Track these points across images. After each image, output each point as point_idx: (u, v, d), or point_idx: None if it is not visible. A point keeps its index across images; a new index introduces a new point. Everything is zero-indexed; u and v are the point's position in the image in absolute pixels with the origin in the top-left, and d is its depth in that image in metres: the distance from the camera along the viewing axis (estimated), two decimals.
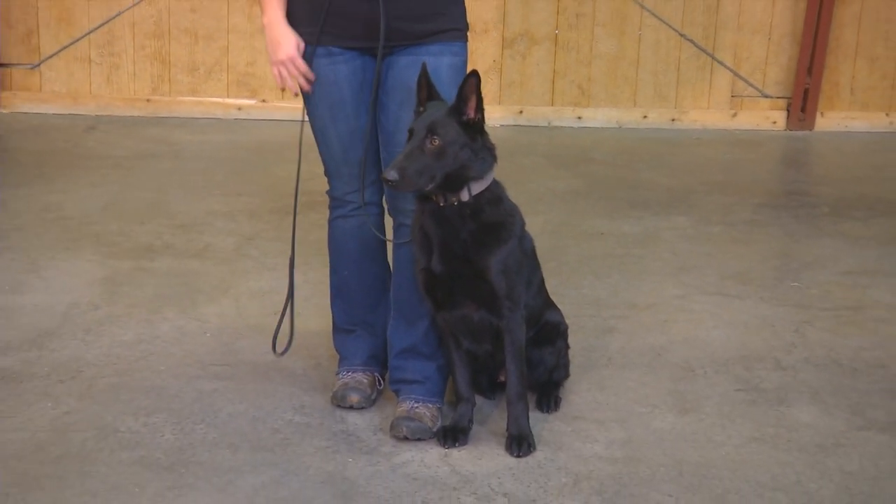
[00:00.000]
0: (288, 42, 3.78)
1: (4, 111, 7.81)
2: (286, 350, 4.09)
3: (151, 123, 7.72)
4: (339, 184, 3.99)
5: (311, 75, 3.80)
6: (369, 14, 3.74)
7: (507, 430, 3.82)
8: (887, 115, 8.20)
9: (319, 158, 4.04)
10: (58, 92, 7.90)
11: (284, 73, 3.81)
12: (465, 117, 3.60)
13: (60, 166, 6.76)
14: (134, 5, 7.81)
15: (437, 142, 3.56)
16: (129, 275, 5.21)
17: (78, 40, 7.83)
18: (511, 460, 3.76)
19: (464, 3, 3.93)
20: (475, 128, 3.62)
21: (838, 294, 5.27)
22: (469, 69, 3.86)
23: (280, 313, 4.13)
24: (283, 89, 3.90)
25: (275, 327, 4.12)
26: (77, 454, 3.72)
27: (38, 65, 7.86)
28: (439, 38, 3.82)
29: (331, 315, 4.22)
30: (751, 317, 4.99)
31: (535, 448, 3.79)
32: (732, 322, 4.93)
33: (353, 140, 3.90)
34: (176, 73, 7.93)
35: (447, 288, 3.78)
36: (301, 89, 3.88)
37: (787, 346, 4.71)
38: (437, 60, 3.78)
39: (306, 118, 3.94)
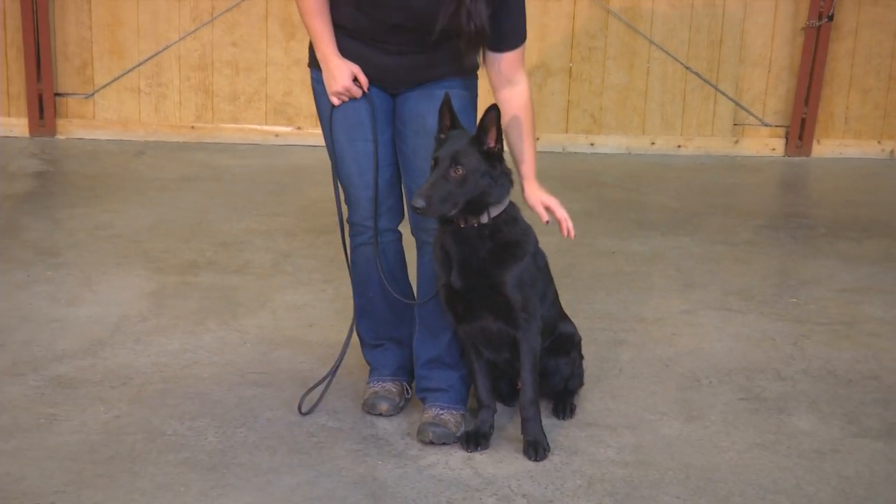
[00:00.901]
0: (341, 74, 3.82)
1: (61, 137, 7.83)
2: (311, 410, 4.08)
3: (195, 149, 7.74)
4: (357, 210, 3.99)
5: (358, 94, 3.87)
6: (390, 67, 3.81)
7: (523, 436, 3.81)
8: (879, 142, 8.18)
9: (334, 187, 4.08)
10: (110, 119, 7.92)
11: (344, 99, 3.86)
12: (485, 147, 3.61)
13: (112, 188, 6.79)
14: (180, 39, 7.84)
15: (460, 171, 3.57)
16: (175, 289, 5.22)
17: (128, 72, 7.86)
18: (529, 463, 3.76)
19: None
20: (494, 156, 3.63)
21: (834, 310, 5.24)
22: (481, 101, 3.89)
23: (318, 382, 4.16)
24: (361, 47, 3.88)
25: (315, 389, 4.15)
26: (127, 455, 3.73)
27: (92, 94, 7.88)
28: (451, 76, 3.83)
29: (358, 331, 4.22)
30: (752, 330, 4.97)
31: (550, 451, 3.79)
32: (735, 335, 4.92)
33: (369, 162, 3.91)
34: (218, 103, 7.95)
35: (467, 302, 3.78)
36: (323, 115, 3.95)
37: (787, 358, 4.69)
38: (451, 92, 3.78)
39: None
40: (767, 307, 5.25)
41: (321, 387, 4.15)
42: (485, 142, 3.61)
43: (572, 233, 3.83)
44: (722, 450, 3.92)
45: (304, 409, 4.06)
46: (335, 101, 3.86)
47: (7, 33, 7.73)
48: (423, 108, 3.81)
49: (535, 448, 3.77)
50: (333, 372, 4.16)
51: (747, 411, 4.22)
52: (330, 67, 3.84)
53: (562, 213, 3.81)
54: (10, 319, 4.80)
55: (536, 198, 3.81)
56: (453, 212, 3.60)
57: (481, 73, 3.95)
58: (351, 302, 4.22)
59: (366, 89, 3.84)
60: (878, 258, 5.98)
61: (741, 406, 4.26)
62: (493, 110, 3.59)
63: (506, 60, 3.80)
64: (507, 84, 3.82)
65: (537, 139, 7.98)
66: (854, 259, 5.96)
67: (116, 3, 7.77)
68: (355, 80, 3.83)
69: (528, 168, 3.83)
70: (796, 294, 5.47)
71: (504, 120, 3.68)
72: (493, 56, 3.80)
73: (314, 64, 3.94)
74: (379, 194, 3.93)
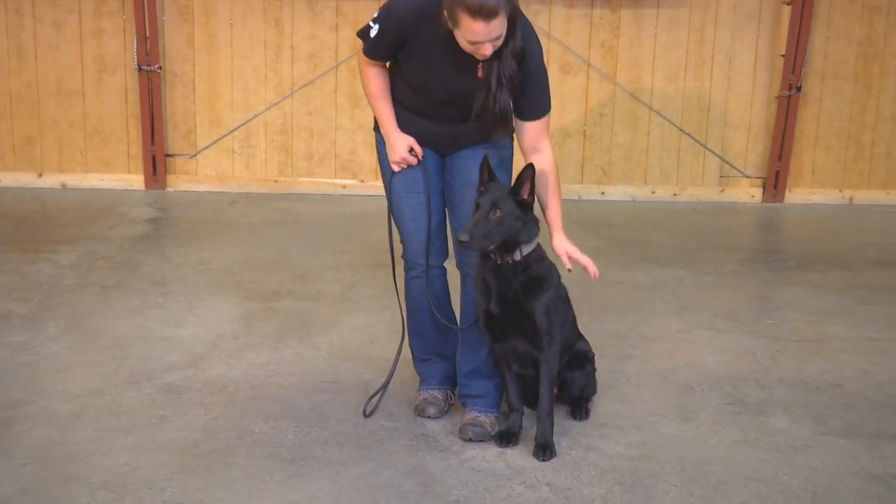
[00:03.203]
0: (400, 147, 3.88)
1: (170, 190, 7.91)
2: (372, 413, 4.09)
3: (278, 198, 7.79)
4: (410, 249, 4.02)
5: (414, 161, 3.92)
6: (440, 135, 3.87)
7: (535, 439, 3.80)
8: (840, 191, 8.13)
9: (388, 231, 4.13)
10: (209, 175, 7.99)
11: (403, 166, 3.90)
12: (519, 197, 3.63)
13: (210, 231, 6.84)
14: (266, 110, 7.91)
15: (498, 213, 3.60)
16: (261, 313, 5.25)
17: (224, 136, 7.93)
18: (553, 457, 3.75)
19: (511, 115, 3.84)
20: (526, 206, 3.66)
21: (804, 329, 5.20)
22: (516, 161, 3.91)
23: (378, 390, 4.18)
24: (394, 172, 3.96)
25: (377, 395, 4.16)
26: (222, 450, 3.75)
27: (195, 154, 7.96)
28: (491, 139, 3.85)
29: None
30: (736, 346, 4.94)
31: (555, 454, 3.76)
32: (722, 350, 4.88)
33: (421, 210, 3.93)
34: (297, 161, 8.01)
35: (502, 325, 3.79)
36: (385, 175, 3.99)
37: (765, 370, 4.66)
38: (489, 153, 3.81)
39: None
40: (749, 327, 5.22)
41: (380, 393, 4.16)
42: (520, 193, 3.64)
43: (596, 274, 3.80)
44: (712, 446, 3.90)
45: (366, 413, 4.07)
46: (395, 168, 3.91)
47: (128, 107, 7.83)
48: (468, 166, 3.85)
49: (544, 450, 3.76)
50: (388, 381, 4.17)
51: (732, 413, 4.19)
52: (391, 141, 3.89)
53: (585, 259, 3.79)
54: (128, 338, 4.85)
55: (562, 248, 3.79)
56: (491, 247, 3.63)
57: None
58: (399, 322, 4.25)
59: (420, 158, 3.88)
60: (840, 287, 5.93)
61: (727, 409, 4.23)
62: (530, 168, 3.63)
63: (531, 128, 3.80)
64: (533, 151, 3.82)
65: None
66: (821, 287, 5.91)
67: (215, 82, 7.86)
68: (411, 150, 3.87)
69: (555, 222, 3.82)
70: (773, 316, 5.43)
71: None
72: (520, 124, 3.81)
73: (378, 128, 3.97)
74: (430, 236, 3.96)
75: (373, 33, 3.72)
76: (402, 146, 3.87)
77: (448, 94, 3.73)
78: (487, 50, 3.49)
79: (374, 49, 3.78)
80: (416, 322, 4.13)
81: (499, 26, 3.43)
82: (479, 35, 3.42)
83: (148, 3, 7.60)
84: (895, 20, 7.88)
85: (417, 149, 3.87)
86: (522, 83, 3.66)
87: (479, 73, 3.61)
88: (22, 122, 7.85)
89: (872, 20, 7.88)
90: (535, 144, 3.82)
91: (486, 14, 3.37)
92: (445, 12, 3.47)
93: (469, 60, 3.60)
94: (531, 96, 3.74)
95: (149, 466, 3.61)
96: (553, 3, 7.71)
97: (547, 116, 3.83)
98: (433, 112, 3.82)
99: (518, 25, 3.56)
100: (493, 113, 3.65)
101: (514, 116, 3.80)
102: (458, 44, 3.53)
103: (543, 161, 3.80)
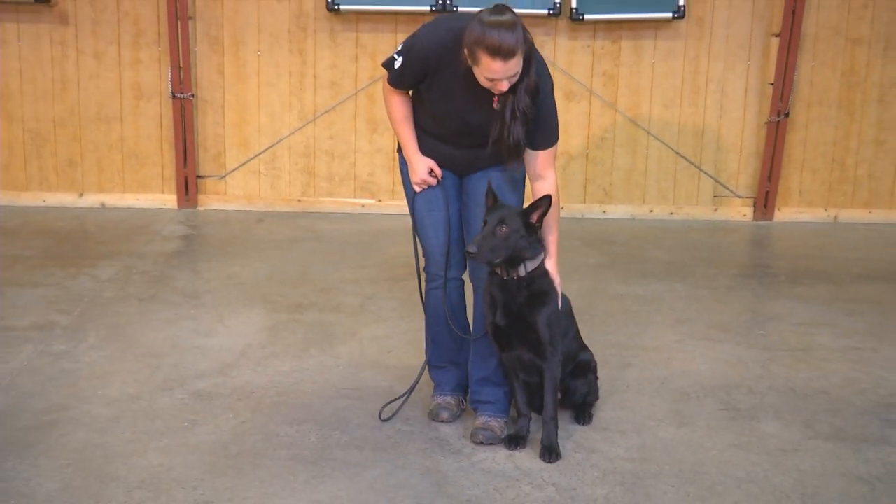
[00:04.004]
0: (421, 168, 3.90)
1: (201, 209, 7.93)
2: (390, 418, 4.08)
3: (301, 217, 7.81)
4: (432, 262, 4.03)
5: (433, 182, 3.93)
6: (458, 158, 3.88)
7: (541, 442, 3.79)
8: (826, 210, 8.10)
9: (413, 246, 4.12)
10: (237, 195, 8.01)
11: (423, 187, 3.92)
12: (529, 219, 3.64)
13: (238, 247, 6.86)
14: (290, 134, 7.93)
15: (504, 229, 3.61)
16: (286, 324, 5.25)
17: (251, 159, 7.96)
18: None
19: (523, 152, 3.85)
20: (532, 228, 3.67)
21: (793, 340, 5.18)
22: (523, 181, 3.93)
23: (400, 396, 4.17)
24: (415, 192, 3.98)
25: (399, 399, 4.16)
26: (250, 452, 3.76)
27: (224, 176, 7.98)
28: (503, 163, 3.86)
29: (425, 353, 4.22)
30: (729, 356, 4.92)
31: (560, 456, 3.75)
32: (716, 359, 4.87)
33: (442, 228, 3.94)
34: (318, 181, 8.02)
35: (508, 336, 3.79)
36: (408, 195, 3.99)
37: (756, 378, 4.64)
38: (503, 175, 3.86)
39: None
40: (741, 337, 5.20)
41: (400, 400, 4.15)
42: (530, 215, 3.65)
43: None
44: (707, 449, 3.89)
45: (383, 417, 4.07)
46: (416, 188, 3.93)
47: (163, 132, 7.86)
48: (483, 187, 3.85)
49: (550, 452, 3.75)
50: (411, 389, 4.16)
51: (726, 419, 4.18)
52: (412, 163, 3.92)
53: (559, 290, 3.83)
54: (162, 347, 4.86)
55: (552, 274, 3.82)
56: (497, 260, 3.64)
57: None
58: (419, 335, 4.25)
59: (440, 179, 3.90)
60: (826, 300, 5.91)
61: (721, 415, 4.22)
62: (547, 199, 3.67)
63: (539, 157, 3.82)
64: (538, 178, 3.84)
65: (561, 208, 8.03)
66: (808, 300, 5.89)
67: (243, 108, 7.89)
68: (431, 171, 3.89)
69: (552, 248, 3.83)
70: (763, 327, 5.41)
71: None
72: (529, 152, 3.81)
73: (401, 150, 3.99)
74: (449, 251, 3.97)
75: (397, 65, 3.75)
76: (422, 168, 3.89)
77: (466, 124, 3.75)
78: (504, 86, 3.51)
79: (398, 79, 3.80)
80: (434, 331, 4.14)
81: (516, 65, 3.45)
82: (496, 73, 3.45)
83: (181, 35, 7.64)
84: (876, 52, 7.88)
85: (437, 170, 3.90)
86: (535, 116, 3.67)
87: (496, 106, 3.63)
88: (65, 145, 7.89)
89: (855, 51, 7.88)
90: (541, 173, 3.83)
91: (504, 54, 3.40)
92: (466, 50, 3.50)
93: (486, 94, 3.61)
94: (542, 128, 3.76)
95: (181, 467, 3.62)
96: (558, 34, 7.72)
97: (554, 147, 3.84)
98: (452, 139, 3.84)
99: (533, 63, 3.57)
100: (507, 144, 3.66)
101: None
102: (476, 79, 3.56)
103: (547, 188, 3.82)
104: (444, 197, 3.93)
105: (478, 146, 3.78)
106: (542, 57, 3.69)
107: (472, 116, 3.72)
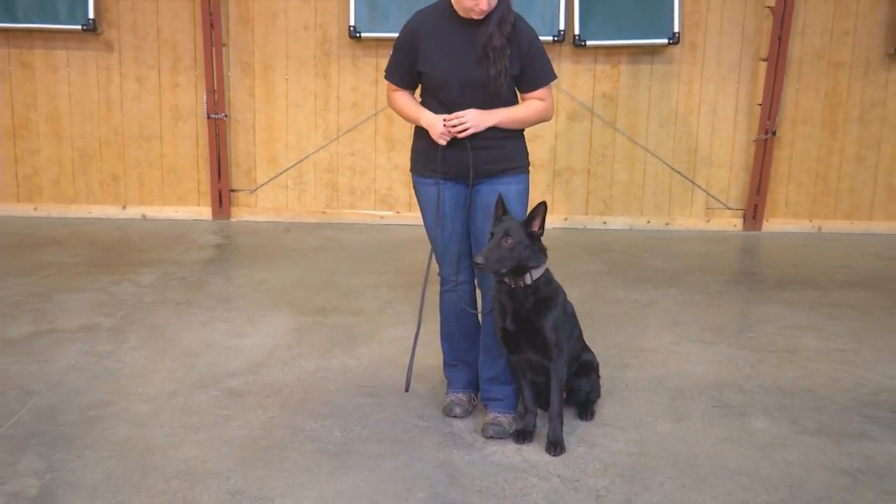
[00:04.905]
0: (437, 123, 3.77)
1: (233, 220, 7.96)
2: (409, 385, 4.11)
3: (326, 227, 7.82)
4: (444, 268, 4.02)
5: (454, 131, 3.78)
6: (465, 162, 3.80)
7: (547, 437, 3.78)
8: (810, 221, 8.08)
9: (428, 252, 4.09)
10: (266, 207, 8.03)
11: (446, 138, 3.76)
12: (530, 229, 3.62)
13: (267, 255, 6.87)
14: (315, 152, 7.95)
15: (510, 241, 3.59)
16: (311, 327, 5.25)
17: (280, 174, 7.98)
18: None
19: (526, 149, 3.94)
20: (535, 237, 3.64)
21: (780, 342, 5.15)
22: (530, 193, 3.91)
23: (410, 365, 4.14)
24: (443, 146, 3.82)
25: (407, 369, 4.12)
26: (278, 445, 3.75)
27: (255, 190, 8.01)
28: (509, 172, 3.85)
29: (441, 354, 4.22)
30: (721, 357, 4.90)
31: (565, 450, 3.74)
32: (709, 360, 4.85)
33: (452, 240, 3.93)
34: (341, 195, 8.04)
35: (516, 339, 3.77)
36: (421, 206, 3.96)
37: (746, 377, 4.62)
38: (507, 187, 3.82)
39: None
40: (732, 340, 5.18)
41: (410, 362, 4.12)
42: (531, 225, 3.62)
43: (451, 125, 3.74)
44: (700, 443, 3.86)
45: (407, 388, 4.11)
46: (441, 141, 3.77)
47: (199, 149, 7.89)
48: (490, 200, 3.82)
49: (555, 446, 3.73)
50: (415, 340, 4.11)
51: (718, 415, 4.15)
52: (429, 124, 3.80)
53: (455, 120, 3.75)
54: (198, 347, 4.87)
55: (469, 113, 3.74)
56: (503, 270, 3.62)
57: (532, 169, 3.97)
58: (435, 336, 4.24)
59: (451, 126, 3.75)
60: (811, 304, 5.88)
61: (714, 411, 4.20)
62: (543, 206, 3.62)
63: (537, 95, 3.85)
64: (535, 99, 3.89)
65: (565, 219, 8.00)
66: (794, 305, 5.86)
67: (272, 128, 7.91)
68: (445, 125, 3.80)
69: (505, 110, 3.78)
70: (753, 330, 5.38)
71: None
72: (529, 96, 3.86)
73: (414, 169, 3.97)
74: (459, 257, 3.96)
75: (391, 59, 3.88)
76: (437, 122, 3.77)
77: (463, 75, 3.72)
78: (483, 4, 3.60)
79: (394, 68, 3.88)
80: (447, 330, 4.13)
81: None
82: None
83: (216, 61, 7.67)
84: (856, 75, 7.86)
85: (450, 117, 3.76)
86: (522, 58, 3.73)
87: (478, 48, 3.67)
88: (109, 162, 7.93)
89: (837, 74, 7.86)
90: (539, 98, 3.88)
91: None
92: None
93: (471, 45, 3.68)
94: (533, 69, 3.79)
95: (215, 459, 3.62)
96: (562, 59, 7.72)
97: (547, 88, 3.86)
98: (459, 106, 3.76)
99: (510, 5, 3.69)
100: (499, 85, 3.68)
101: (520, 94, 3.87)
102: (462, 34, 3.67)
103: (537, 102, 3.85)
104: (452, 212, 3.91)
105: (483, 146, 3.76)
106: (521, 16, 3.78)
107: (466, 67, 3.71)
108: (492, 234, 3.63)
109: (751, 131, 7.93)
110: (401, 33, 3.84)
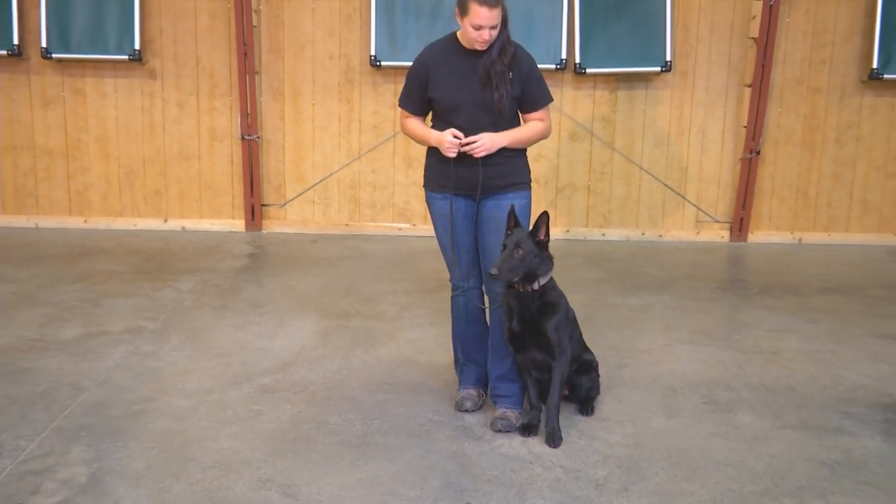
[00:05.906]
0: (447, 137, 3.74)
1: (265, 232, 7.98)
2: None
3: (349, 238, 7.84)
4: (454, 276, 4.01)
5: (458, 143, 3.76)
6: (474, 177, 3.80)
7: (545, 427, 3.77)
8: (792, 233, 8.05)
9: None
10: (295, 220, 8.05)
11: (455, 151, 3.74)
12: (537, 238, 3.61)
13: (296, 264, 6.88)
14: (339, 169, 7.97)
15: (521, 252, 3.58)
16: (335, 329, 5.25)
17: (307, 190, 8.00)
18: (564, 445, 3.70)
19: (528, 167, 3.93)
20: (542, 245, 3.63)
21: (764, 344, 5.12)
22: (534, 207, 3.90)
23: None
24: (451, 159, 3.79)
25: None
26: (304, 437, 3.75)
27: (284, 204, 8.03)
28: (514, 189, 3.85)
29: (453, 354, 4.21)
30: (710, 357, 4.87)
31: (562, 440, 3.72)
32: (699, 360, 4.82)
33: (461, 251, 3.93)
34: (363, 208, 8.05)
35: (522, 340, 3.76)
36: (434, 220, 3.94)
37: (733, 376, 4.59)
38: (513, 203, 3.79)
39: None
40: (720, 342, 5.15)
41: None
42: (537, 235, 3.62)
43: (468, 148, 3.73)
44: (691, 437, 3.84)
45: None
46: (451, 154, 3.75)
47: (233, 167, 7.92)
48: (496, 214, 3.82)
49: (553, 437, 3.72)
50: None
51: (708, 411, 4.13)
52: (437, 139, 3.79)
53: (481, 142, 3.73)
54: (232, 348, 4.87)
55: (483, 136, 3.74)
56: (515, 279, 3.61)
57: (536, 186, 3.96)
58: (448, 338, 4.23)
59: (460, 140, 3.74)
60: (793, 309, 5.84)
61: (704, 408, 4.17)
62: (545, 215, 3.61)
63: (533, 117, 3.88)
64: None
65: (567, 231, 7.97)
66: (777, 310, 5.83)
67: (300, 148, 7.93)
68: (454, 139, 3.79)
69: (510, 132, 3.78)
70: (739, 333, 5.35)
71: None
72: (528, 117, 3.89)
73: (427, 185, 3.97)
74: (468, 266, 3.96)
75: (403, 87, 3.91)
76: (448, 136, 3.75)
77: (472, 98, 3.73)
78: (486, 35, 3.63)
79: (407, 96, 3.90)
80: (458, 331, 4.13)
81: (497, 16, 3.62)
82: (483, 20, 3.60)
83: (249, 87, 7.70)
84: (833, 99, 7.84)
85: (458, 133, 3.75)
86: (523, 81, 3.76)
87: (481, 73, 3.70)
88: (152, 179, 7.97)
89: (815, 99, 7.84)
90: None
91: (490, 3, 3.58)
92: (457, 9, 3.67)
93: (476, 72, 3.71)
94: (532, 92, 3.82)
95: (248, 450, 3.62)
96: (564, 85, 7.72)
97: (545, 109, 3.87)
98: (468, 130, 3.76)
99: (507, 32, 3.72)
100: (502, 106, 3.70)
101: (522, 115, 3.89)
102: (468, 62, 3.69)
103: (536, 122, 3.87)
104: (462, 224, 3.91)
105: (487, 163, 3.75)
106: (519, 45, 3.81)
107: (473, 91, 3.72)
108: (504, 246, 3.63)
109: (737, 151, 7.91)
110: (413, 65, 3.87)
